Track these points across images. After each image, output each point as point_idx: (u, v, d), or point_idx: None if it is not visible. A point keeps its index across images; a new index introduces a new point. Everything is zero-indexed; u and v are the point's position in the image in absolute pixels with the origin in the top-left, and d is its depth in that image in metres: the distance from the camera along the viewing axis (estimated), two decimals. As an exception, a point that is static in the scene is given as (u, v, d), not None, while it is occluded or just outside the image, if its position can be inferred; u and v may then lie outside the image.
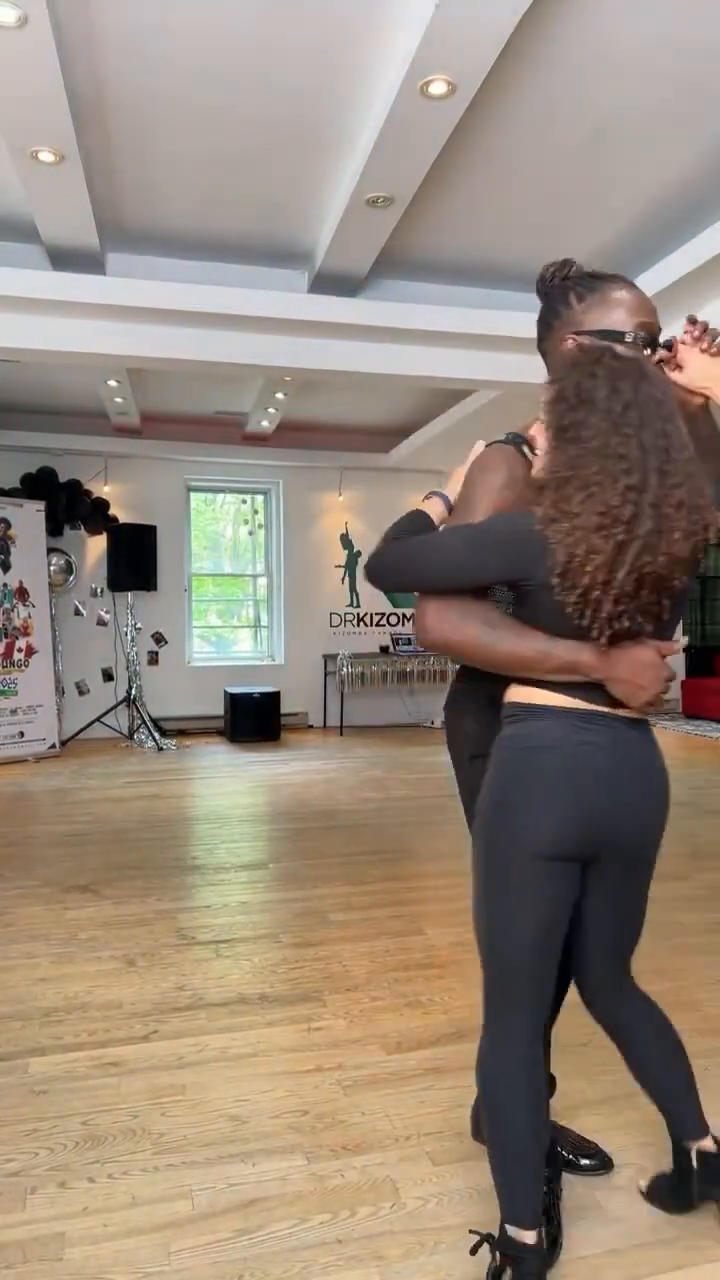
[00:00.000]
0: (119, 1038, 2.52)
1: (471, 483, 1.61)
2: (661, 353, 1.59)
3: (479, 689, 1.73)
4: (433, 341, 5.13)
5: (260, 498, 9.48)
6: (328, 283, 4.71)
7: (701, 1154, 1.70)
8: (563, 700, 1.47)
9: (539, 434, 1.50)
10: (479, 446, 1.67)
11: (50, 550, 7.83)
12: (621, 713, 1.49)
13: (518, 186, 3.99)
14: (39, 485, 7.92)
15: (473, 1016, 2.57)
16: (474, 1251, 1.57)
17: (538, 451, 1.52)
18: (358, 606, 9.45)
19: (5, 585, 7.31)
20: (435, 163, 3.59)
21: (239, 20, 2.87)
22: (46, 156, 3.50)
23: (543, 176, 3.90)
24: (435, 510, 1.65)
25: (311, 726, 9.17)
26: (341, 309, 4.85)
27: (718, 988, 2.81)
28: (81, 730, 8.31)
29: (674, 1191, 1.76)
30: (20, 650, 7.40)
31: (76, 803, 5.73)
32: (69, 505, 8.04)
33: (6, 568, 7.33)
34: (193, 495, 9.18)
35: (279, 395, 7.15)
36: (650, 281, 4.46)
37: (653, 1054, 1.72)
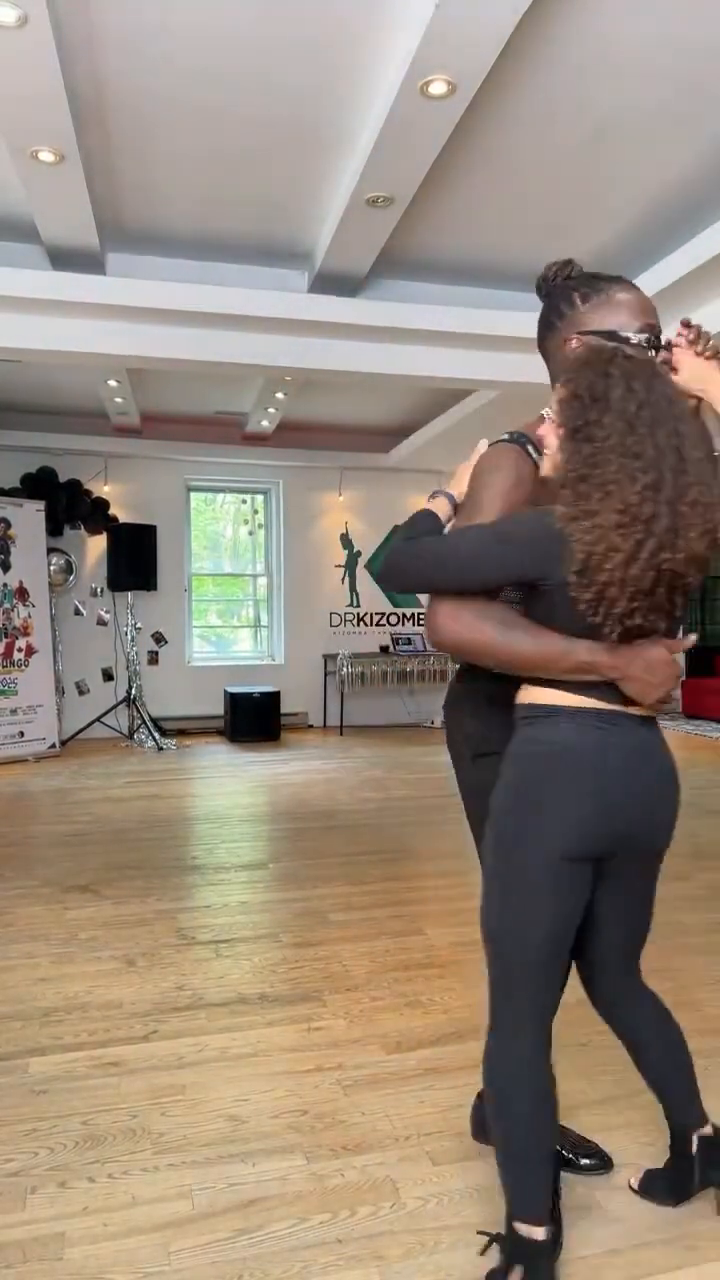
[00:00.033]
0: (119, 1038, 2.52)
1: (479, 483, 1.60)
2: (663, 354, 1.60)
3: (480, 689, 1.73)
4: (433, 341, 5.13)
5: (260, 498, 9.48)
6: (328, 283, 4.71)
7: (703, 1139, 1.73)
8: (579, 700, 1.48)
9: (548, 433, 1.50)
10: (483, 445, 1.67)
11: (50, 550, 7.83)
12: (634, 710, 1.50)
13: (518, 186, 3.99)
14: (39, 485, 7.92)
15: (473, 1016, 2.58)
16: (483, 1252, 1.57)
17: (546, 451, 1.52)
18: (358, 606, 9.45)
19: (5, 585, 7.31)
20: (435, 163, 3.59)
21: (239, 20, 2.87)
22: (46, 156, 3.50)
23: (543, 176, 3.90)
24: (442, 510, 1.64)
25: (311, 726, 9.17)
26: (341, 309, 4.84)
27: (718, 988, 2.81)
28: (81, 730, 8.31)
29: (671, 1182, 1.77)
30: (20, 650, 7.40)
31: (76, 803, 5.73)
32: (69, 505, 8.04)
33: (6, 568, 7.33)
34: (193, 495, 9.18)
35: (279, 395, 7.15)
36: (650, 281, 4.46)
37: (656, 1047, 1.74)
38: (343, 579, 9.41)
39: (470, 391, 6.67)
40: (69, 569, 8.30)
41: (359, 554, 9.42)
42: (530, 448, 1.63)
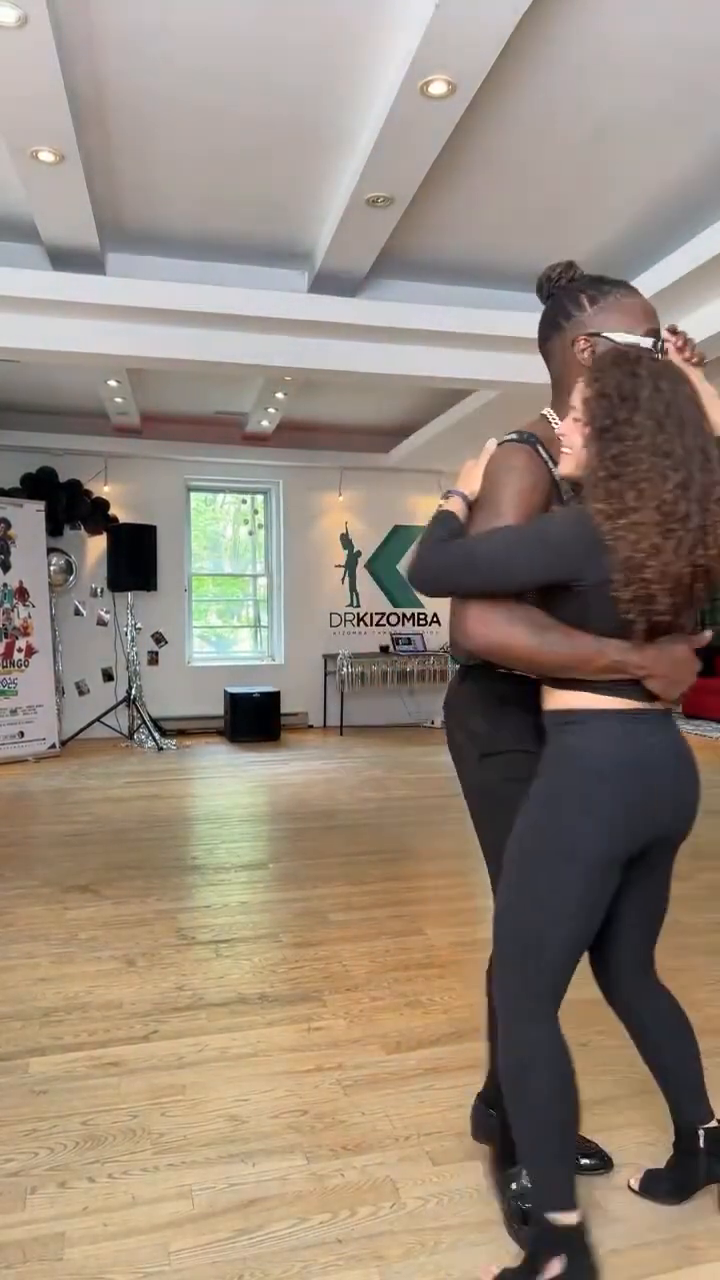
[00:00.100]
0: (119, 1038, 2.52)
1: (495, 483, 1.59)
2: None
3: (489, 689, 1.73)
4: (433, 341, 5.13)
5: (260, 498, 9.48)
6: (328, 283, 4.71)
7: (709, 1132, 1.74)
8: (612, 702, 1.50)
9: (572, 431, 1.50)
10: (492, 444, 1.66)
11: (50, 550, 7.83)
12: (658, 706, 1.52)
13: (518, 186, 3.99)
14: (39, 485, 7.92)
15: (472, 1017, 2.58)
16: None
17: (567, 449, 1.52)
18: (358, 606, 9.45)
19: (5, 585, 7.31)
20: (435, 163, 3.59)
21: (239, 20, 2.87)
22: (46, 156, 3.50)
23: (543, 176, 3.90)
24: (459, 509, 1.63)
25: (311, 726, 9.17)
26: (341, 309, 4.85)
27: (718, 988, 2.81)
28: (81, 730, 8.31)
29: (675, 1180, 1.78)
30: (20, 650, 7.40)
31: (76, 803, 5.73)
32: (69, 505, 8.04)
33: (6, 568, 7.33)
34: (193, 495, 9.18)
35: (279, 395, 7.15)
36: (650, 281, 4.46)
37: (666, 1041, 1.75)
38: (343, 579, 9.41)
39: (470, 391, 6.67)
40: (69, 569, 8.30)
41: (359, 554, 9.42)
42: (540, 448, 1.62)
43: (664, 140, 3.60)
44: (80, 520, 8.20)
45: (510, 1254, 1.65)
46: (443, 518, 1.60)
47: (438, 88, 3.02)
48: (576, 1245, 1.50)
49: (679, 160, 3.76)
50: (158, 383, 7.03)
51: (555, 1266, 1.48)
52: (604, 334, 1.60)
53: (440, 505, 1.64)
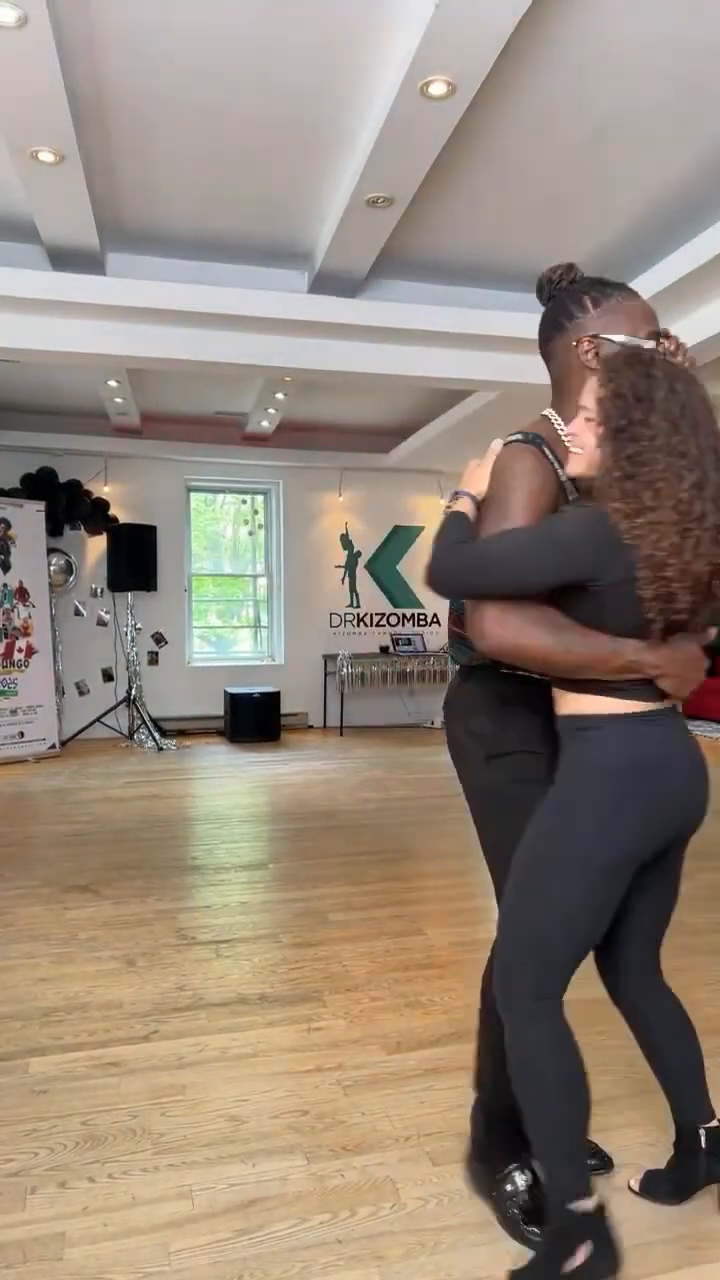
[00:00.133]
0: (119, 1038, 2.52)
1: (504, 484, 1.59)
2: None
3: (493, 689, 1.73)
4: (432, 342, 5.13)
5: (260, 498, 9.48)
6: (327, 283, 4.71)
7: (711, 1132, 1.74)
8: (626, 706, 1.51)
9: (584, 431, 1.50)
10: (498, 444, 1.66)
11: (50, 550, 7.83)
12: (667, 705, 1.54)
13: (518, 186, 3.99)
14: (39, 485, 7.92)
15: (472, 1017, 2.56)
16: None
17: (578, 449, 1.53)
18: (358, 607, 9.45)
19: (5, 585, 7.31)
20: (435, 163, 3.59)
21: (239, 20, 2.87)
22: (46, 156, 3.50)
23: (543, 176, 3.90)
24: (469, 510, 1.63)
25: (311, 727, 9.17)
26: (341, 309, 4.84)
27: (718, 988, 2.81)
28: (81, 730, 8.30)
29: (675, 1180, 1.78)
30: (20, 650, 7.40)
31: (76, 803, 5.73)
32: (69, 505, 8.04)
33: (6, 568, 7.33)
34: (193, 495, 9.18)
35: (279, 395, 7.15)
36: (650, 281, 4.46)
37: (669, 1041, 1.76)
38: (343, 579, 9.41)
39: (470, 392, 6.67)
40: (69, 569, 8.30)
41: (359, 554, 9.42)
42: (546, 448, 1.62)
43: (664, 140, 3.60)
44: (80, 520, 8.20)
45: (510, 1254, 1.65)
46: (456, 520, 1.60)
47: (438, 88, 3.02)
48: (600, 1229, 1.51)
49: (679, 160, 3.76)
50: (158, 383, 7.03)
51: (581, 1254, 1.48)
52: (606, 336, 1.60)
53: (449, 507, 1.64)
